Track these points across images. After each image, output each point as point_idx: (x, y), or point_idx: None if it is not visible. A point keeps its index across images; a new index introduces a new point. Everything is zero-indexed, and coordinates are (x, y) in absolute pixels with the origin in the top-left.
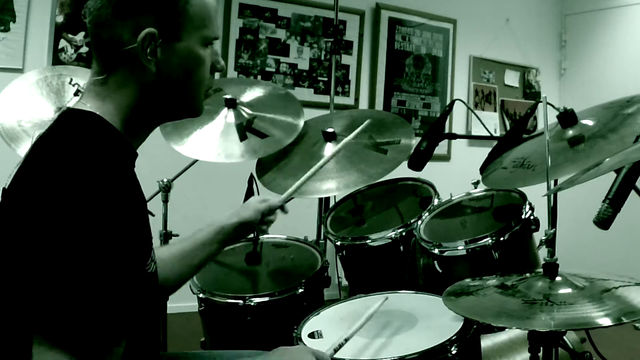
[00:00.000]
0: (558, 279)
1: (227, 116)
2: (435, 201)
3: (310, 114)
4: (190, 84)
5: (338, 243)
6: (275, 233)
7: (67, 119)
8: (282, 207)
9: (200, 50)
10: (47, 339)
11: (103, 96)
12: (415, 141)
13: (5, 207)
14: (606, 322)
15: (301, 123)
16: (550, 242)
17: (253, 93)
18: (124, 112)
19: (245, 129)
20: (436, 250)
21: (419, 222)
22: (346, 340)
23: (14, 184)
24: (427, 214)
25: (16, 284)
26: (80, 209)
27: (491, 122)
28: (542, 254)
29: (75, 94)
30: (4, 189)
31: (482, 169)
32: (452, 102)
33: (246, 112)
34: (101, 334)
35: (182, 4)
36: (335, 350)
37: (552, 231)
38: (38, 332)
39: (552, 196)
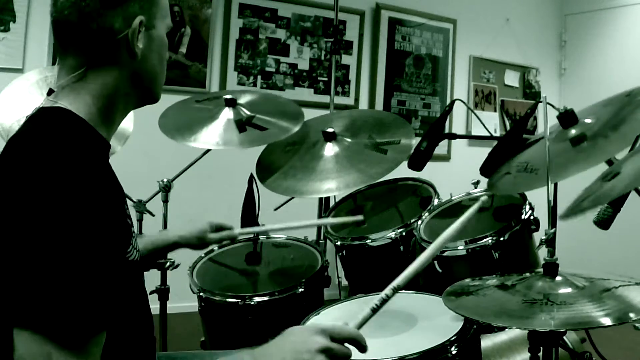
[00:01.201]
0: (558, 278)
1: (227, 114)
2: (435, 201)
3: (310, 114)
4: (161, 69)
5: (338, 243)
6: (274, 233)
7: (37, 117)
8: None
9: (166, 39)
10: (29, 329)
11: (78, 89)
12: (415, 141)
13: None
14: (606, 321)
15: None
16: (550, 241)
17: (251, 96)
18: (102, 101)
19: (244, 124)
20: None
21: (419, 222)
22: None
23: None
24: (427, 214)
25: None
26: (54, 201)
27: (491, 122)
28: (542, 254)
29: (48, 94)
30: None
31: (482, 169)
32: (452, 102)
33: (245, 112)
34: (82, 320)
35: None
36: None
37: (552, 231)
38: (19, 323)
39: (552, 196)
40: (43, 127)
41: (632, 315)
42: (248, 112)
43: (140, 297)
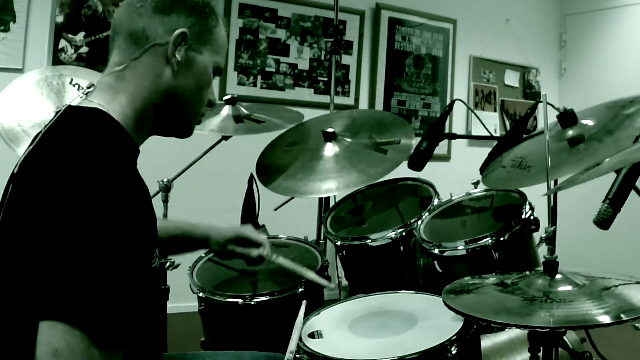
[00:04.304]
0: (558, 276)
1: (226, 111)
2: (435, 201)
3: (310, 114)
4: (197, 99)
5: (338, 243)
6: (275, 233)
7: (73, 115)
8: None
9: (211, 74)
10: (62, 320)
11: (116, 89)
12: (415, 141)
13: (14, 197)
14: (605, 319)
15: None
16: (550, 239)
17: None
18: (137, 104)
19: (242, 118)
20: (436, 250)
21: (419, 222)
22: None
23: (21, 176)
24: (427, 214)
25: (23, 272)
26: (91, 201)
27: (491, 122)
28: (542, 253)
29: (88, 87)
30: (13, 173)
31: (482, 169)
32: (452, 102)
33: (244, 110)
34: (120, 320)
35: (212, 23)
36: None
37: (552, 229)
38: (50, 316)
39: (552, 196)
40: (80, 127)
41: (631, 313)
42: (246, 111)
43: (154, 304)
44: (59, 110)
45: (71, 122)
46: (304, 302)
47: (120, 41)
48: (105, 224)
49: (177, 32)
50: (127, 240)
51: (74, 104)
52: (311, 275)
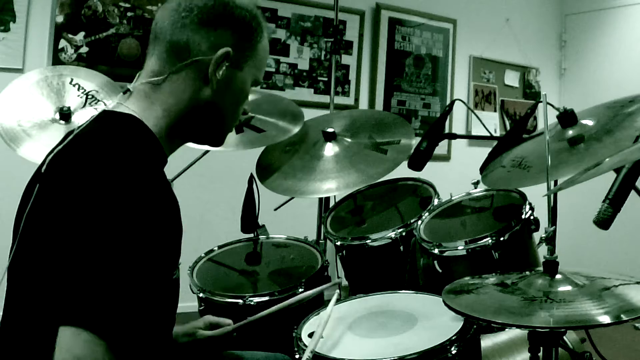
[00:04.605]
0: (558, 276)
1: None
2: (435, 201)
3: (310, 114)
4: (233, 113)
5: (338, 243)
6: (275, 233)
7: (108, 119)
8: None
9: (249, 89)
10: (86, 329)
11: (153, 99)
12: (415, 141)
13: (41, 197)
14: (605, 319)
15: (298, 128)
16: (550, 239)
17: (253, 96)
18: (172, 117)
19: (242, 124)
20: (436, 250)
21: (419, 222)
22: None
23: (49, 176)
24: (427, 214)
25: (46, 274)
26: (121, 207)
27: (491, 122)
28: (542, 253)
29: (124, 92)
30: (39, 172)
31: (482, 169)
32: (452, 102)
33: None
34: (137, 328)
35: (257, 39)
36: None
37: (552, 228)
38: (73, 322)
39: (552, 196)
40: (114, 132)
41: (631, 313)
42: (248, 113)
43: (172, 316)
44: (97, 113)
45: (105, 126)
46: (337, 293)
47: (161, 49)
48: (135, 231)
49: (222, 51)
50: (154, 249)
51: (109, 108)
52: (308, 293)
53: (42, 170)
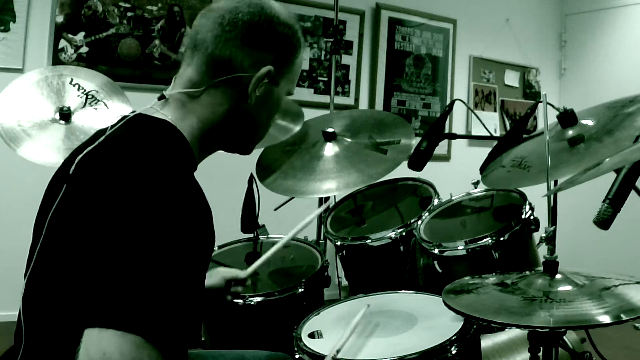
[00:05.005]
0: (558, 276)
1: None
2: (435, 201)
3: (310, 114)
4: (267, 125)
5: (338, 243)
6: (275, 233)
7: (143, 123)
8: (245, 280)
9: (283, 102)
10: (135, 333)
11: (189, 108)
12: (415, 141)
13: (68, 197)
14: (605, 319)
15: (298, 127)
16: (550, 239)
17: None
18: (206, 127)
19: None
20: (436, 250)
21: (419, 222)
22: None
23: (79, 177)
24: (427, 214)
25: (71, 276)
26: (148, 208)
27: (491, 122)
28: (542, 253)
29: (159, 99)
30: (64, 172)
31: (482, 169)
32: (452, 102)
33: None
34: (182, 331)
35: (296, 56)
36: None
37: (552, 228)
38: (99, 324)
39: (552, 196)
40: (150, 136)
41: (631, 313)
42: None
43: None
44: (128, 116)
45: (140, 131)
46: (367, 306)
47: (201, 60)
48: (171, 235)
49: (264, 70)
50: (188, 252)
51: (143, 112)
52: (302, 223)
53: (71, 171)
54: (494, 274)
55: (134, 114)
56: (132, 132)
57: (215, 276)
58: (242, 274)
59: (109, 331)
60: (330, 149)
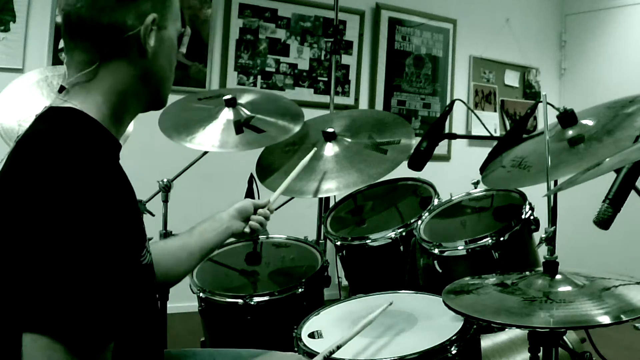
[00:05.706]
0: (558, 277)
1: (227, 115)
2: (435, 201)
3: (310, 114)
4: (170, 72)
5: (338, 243)
6: (275, 233)
7: (48, 117)
8: (269, 208)
9: (177, 42)
10: (43, 334)
11: (89, 88)
12: (415, 141)
13: None
14: (605, 319)
15: (298, 127)
16: (550, 239)
17: (252, 96)
18: (113, 100)
19: (242, 125)
20: (436, 250)
21: (419, 222)
22: (338, 347)
23: (0, 182)
24: (427, 214)
25: (5, 281)
26: (70, 204)
27: (491, 122)
28: (542, 254)
29: (60, 90)
30: None
31: (482, 169)
32: (452, 102)
33: (245, 112)
34: (101, 329)
35: None
36: (331, 353)
37: (552, 229)
38: (31, 328)
39: (552, 196)
40: (54, 128)
41: (631, 313)
42: (248, 113)
43: (151, 301)
44: (38, 113)
45: (47, 125)
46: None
47: (83, 39)
48: (87, 227)
49: (149, 19)
50: (110, 242)
51: (54, 105)
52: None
53: None
54: (494, 274)
55: (46, 108)
56: (38, 128)
57: (242, 202)
58: (265, 202)
59: (41, 339)
60: (330, 149)
